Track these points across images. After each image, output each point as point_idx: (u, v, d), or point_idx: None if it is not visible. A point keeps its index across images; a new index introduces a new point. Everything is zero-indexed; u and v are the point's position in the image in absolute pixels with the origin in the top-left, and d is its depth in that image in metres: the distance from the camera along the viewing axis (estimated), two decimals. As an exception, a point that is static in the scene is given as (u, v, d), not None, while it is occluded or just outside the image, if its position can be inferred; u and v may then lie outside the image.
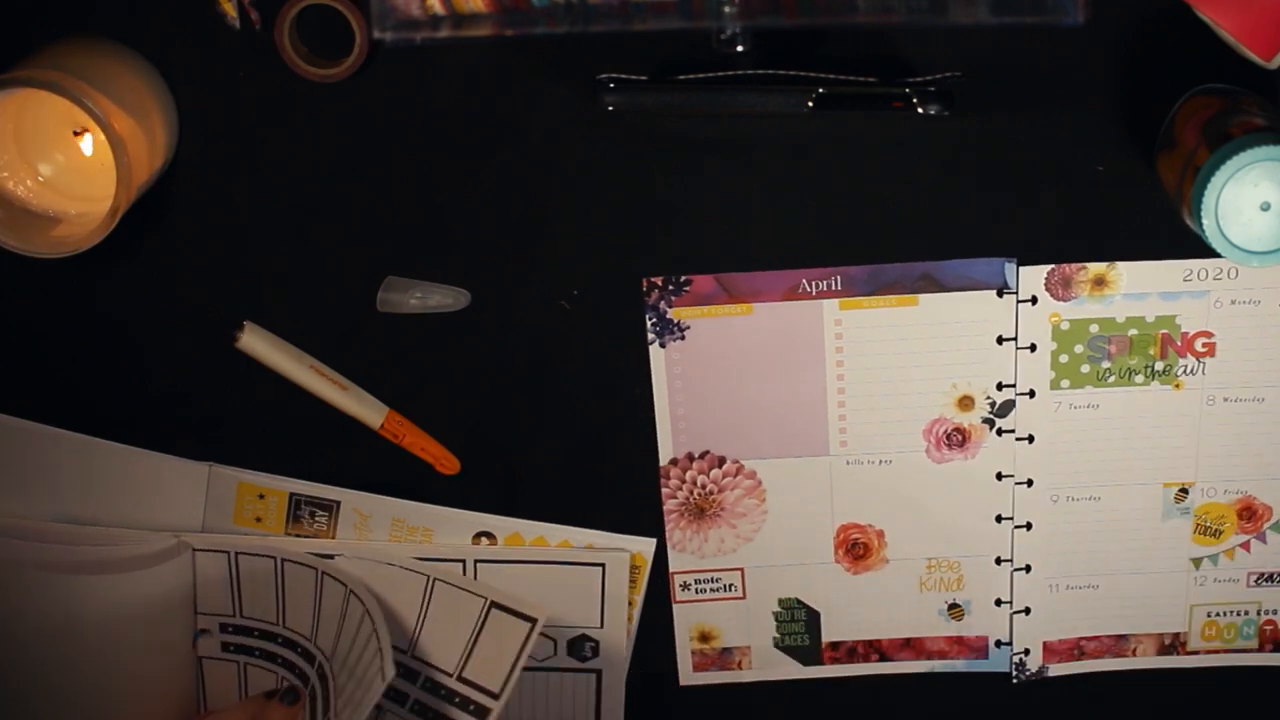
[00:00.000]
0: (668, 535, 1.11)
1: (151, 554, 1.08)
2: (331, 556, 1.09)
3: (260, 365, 1.06)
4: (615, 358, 1.07)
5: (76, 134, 1.00)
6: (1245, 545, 1.11)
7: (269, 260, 1.05)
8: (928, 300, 1.05)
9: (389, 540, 1.10)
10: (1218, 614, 1.12)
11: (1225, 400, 1.07)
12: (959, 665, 1.14)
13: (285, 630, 1.10)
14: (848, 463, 1.09)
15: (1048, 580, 1.12)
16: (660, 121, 1.01)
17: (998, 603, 1.12)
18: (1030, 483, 1.09)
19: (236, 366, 1.06)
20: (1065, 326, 1.05)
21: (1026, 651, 1.13)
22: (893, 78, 0.99)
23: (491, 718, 1.06)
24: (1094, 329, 1.05)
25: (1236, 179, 0.89)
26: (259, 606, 1.10)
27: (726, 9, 0.88)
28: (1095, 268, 1.04)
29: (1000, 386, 1.07)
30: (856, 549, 1.11)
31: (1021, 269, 1.04)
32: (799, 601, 1.13)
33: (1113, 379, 1.07)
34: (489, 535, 1.10)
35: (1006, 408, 1.08)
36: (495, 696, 1.06)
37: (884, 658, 1.14)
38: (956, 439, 1.08)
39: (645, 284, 1.05)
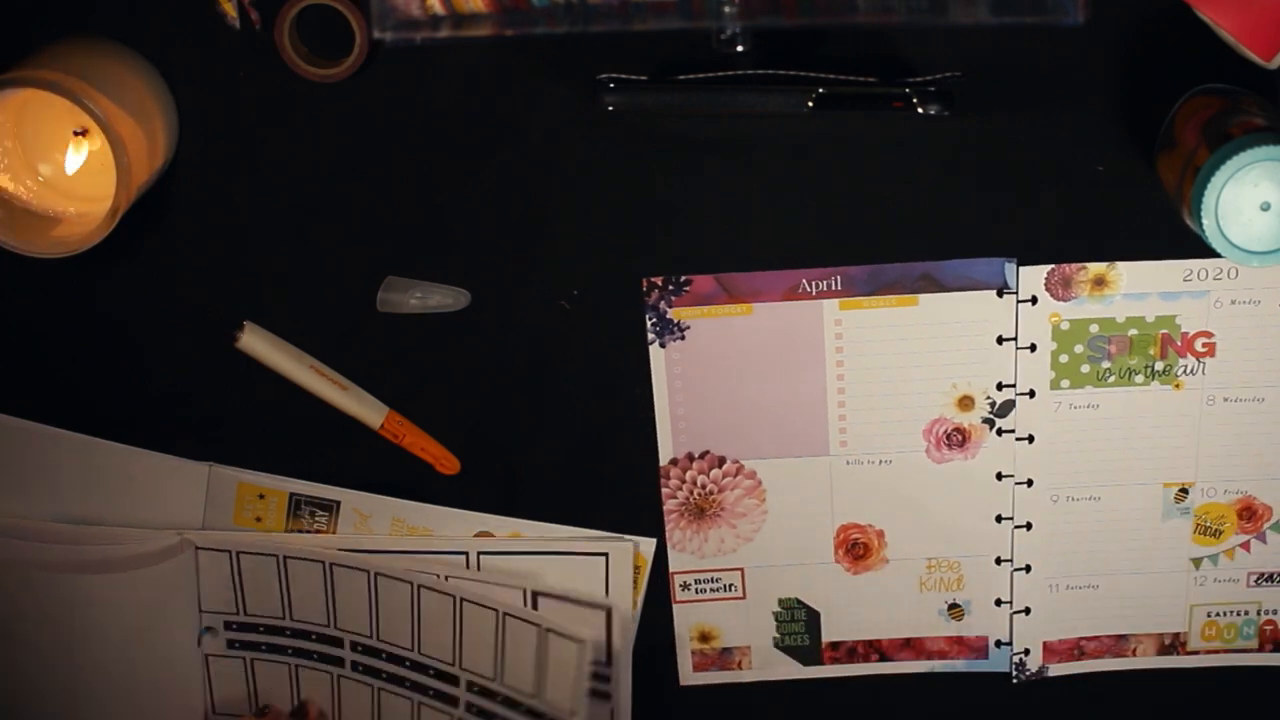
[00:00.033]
0: (668, 535, 1.11)
1: (154, 552, 1.08)
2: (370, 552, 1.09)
3: (260, 365, 1.06)
4: (615, 358, 1.07)
5: (76, 134, 1.00)
6: (1245, 545, 1.11)
7: (269, 260, 1.05)
8: (928, 300, 1.05)
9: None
10: (1218, 614, 1.12)
11: (1225, 400, 1.07)
12: (959, 665, 1.14)
13: (293, 623, 1.10)
14: (848, 463, 1.09)
15: (1048, 580, 1.12)
16: (660, 121, 1.01)
17: (998, 603, 1.12)
18: (1030, 483, 1.09)
19: (236, 366, 1.06)
20: (1065, 326, 1.05)
21: (1026, 651, 1.13)
22: (893, 78, 0.99)
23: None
24: (1094, 329, 1.05)
25: (1236, 179, 0.89)
26: (264, 602, 1.10)
27: (726, 9, 0.88)
28: (1095, 268, 1.04)
29: (1000, 386, 1.07)
30: (856, 549, 1.11)
31: (1021, 269, 1.04)
32: (799, 601, 1.13)
33: (1113, 379, 1.07)
34: (489, 535, 1.10)
35: (1006, 408, 1.08)
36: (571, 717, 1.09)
37: (884, 658, 1.14)
38: (956, 439, 1.08)
39: (645, 284, 1.05)
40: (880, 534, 1.11)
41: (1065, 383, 1.07)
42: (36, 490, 1.09)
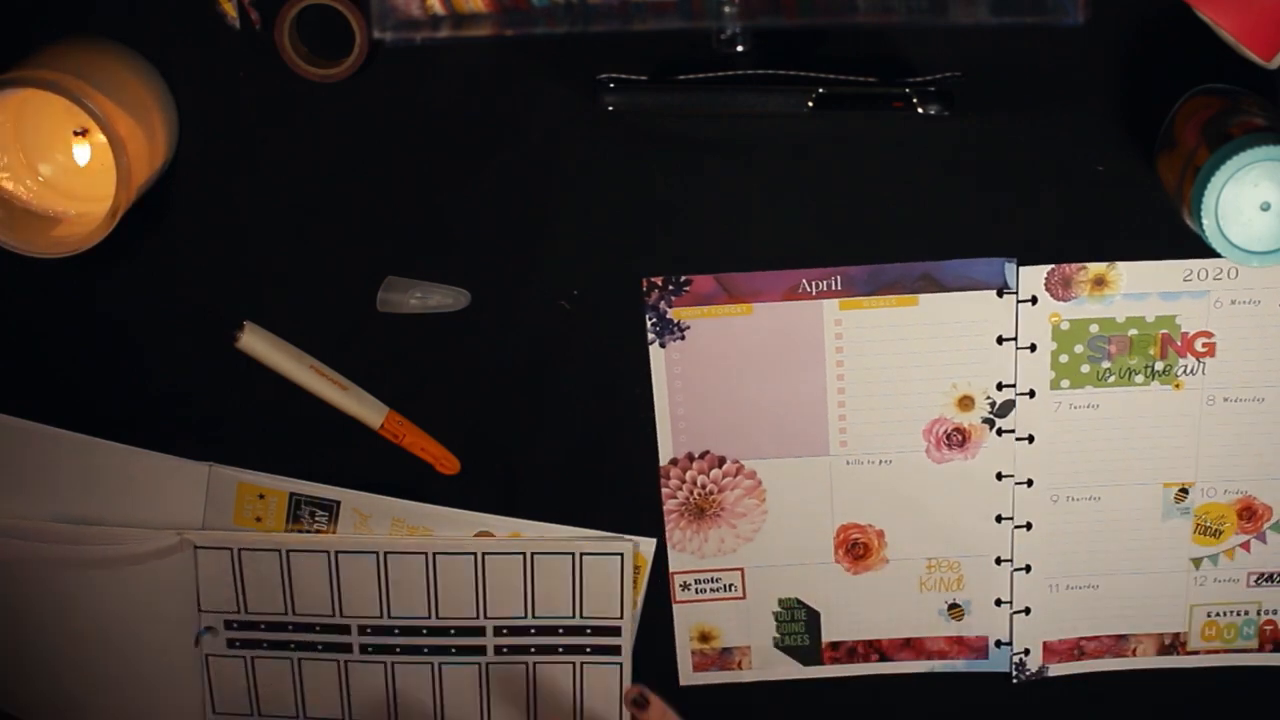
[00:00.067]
0: (668, 535, 1.11)
1: (153, 551, 1.08)
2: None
3: (260, 365, 1.06)
4: (615, 358, 1.07)
5: (76, 134, 1.00)
6: (1245, 545, 1.11)
7: (269, 260, 1.05)
8: (928, 300, 1.05)
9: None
10: (1218, 614, 1.12)
11: (1225, 400, 1.07)
12: (959, 665, 1.14)
13: (295, 617, 1.11)
14: (848, 463, 1.09)
15: (1048, 580, 1.12)
16: (660, 121, 1.01)
17: (998, 603, 1.12)
18: (1030, 483, 1.09)
19: (236, 366, 1.06)
20: (1065, 326, 1.05)
21: (1026, 651, 1.13)
22: (893, 78, 0.99)
23: (624, 640, 1.11)
24: (1094, 329, 1.05)
25: (1236, 179, 0.89)
26: (265, 599, 1.10)
27: (726, 9, 0.88)
28: (1095, 268, 1.04)
29: (1000, 386, 1.07)
30: (856, 549, 1.11)
31: (1021, 269, 1.04)
32: (799, 601, 1.13)
33: (1113, 379, 1.07)
34: (489, 535, 1.10)
35: (1006, 408, 1.08)
36: (618, 622, 1.11)
37: (884, 658, 1.14)
38: (956, 439, 1.08)
39: (645, 284, 1.05)
40: (880, 534, 1.11)
41: (1065, 383, 1.07)
42: (36, 490, 1.09)
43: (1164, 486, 1.09)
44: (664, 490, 1.10)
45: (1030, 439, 1.08)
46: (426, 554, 1.09)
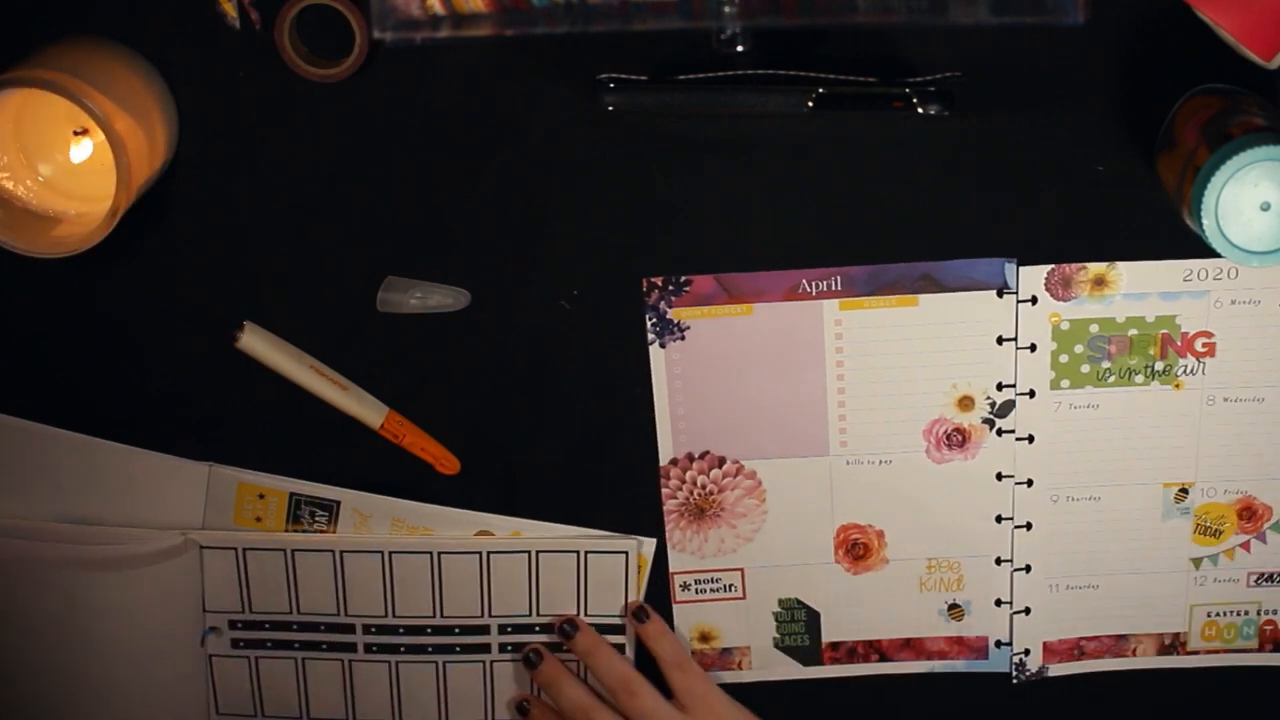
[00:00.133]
0: (668, 535, 1.11)
1: (158, 552, 1.08)
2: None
3: (260, 365, 1.06)
4: (615, 358, 1.07)
5: (76, 134, 1.00)
6: (1245, 545, 1.11)
7: (269, 260, 1.05)
8: (928, 300, 1.05)
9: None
10: (1218, 614, 1.12)
11: (1225, 400, 1.07)
12: (959, 665, 1.14)
13: (300, 616, 1.11)
14: (848, 463, 1.09)
15: (1048, 580, 1.12)
16: (660, 121, 1.01)
17: (998, 603, 1.12)
18: (1030, 483, 1.09)
19: (236, 366, 1.06)
20: (1065, 326, 1.05)
21: (1026, 651, 1.13)
22: (893, 78, 0.99)
23: (628, 638, 1.11)
24: (1094, 329, 1.05)
25: (1236, 179, 0.89)
26: (270, 598, 1.10)
27: (726, 9, 0.88)
28: (1095, 268, 1.04)
29: (1000, 386, 1.07)
30: (856, 549, 1.11)
31: (1021, 269, 1.04)
32: (799, 601, 1.13)
33: (1113, 379, 1.07)
34: (489, 535, 1.10)
35: (1006, 408, 1.08)
36: (622, 621, 1.11)
37: (884, 658, 1.14)
38: (956, 439, 1.08)
39: (645, 284, 1.05)
40: (880, 534, 1.11)
41: (1065, 383, 1.07)
42: (37, 490, 1.09)
43: (1164, 486, 1.09)
44: (664, 490, 1.10)
45: (1030, 439, 1.08)
46: (431, 553, 1.09)
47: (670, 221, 1.03)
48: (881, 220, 1.03)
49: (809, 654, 1.14)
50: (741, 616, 1.13)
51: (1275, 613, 1.12)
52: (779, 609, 1.13)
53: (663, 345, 1.06)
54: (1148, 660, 1.13)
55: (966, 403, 1.08)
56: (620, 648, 1.11)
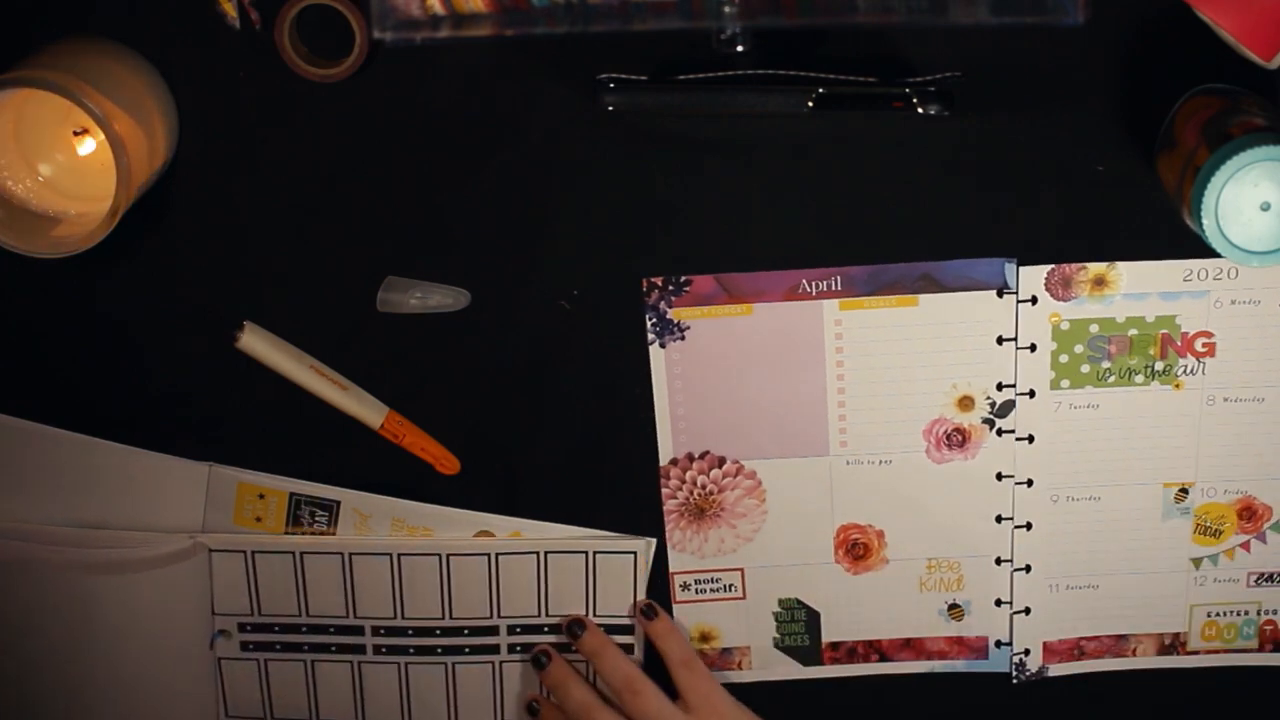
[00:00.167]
0: (668, 535, 1.11)
1: (166, 555, 1.08)
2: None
3: (260, 365, 1.06)
4: (615, 358, 1.07)
5: (76, 134, 1.00)
6: (1245, 545, 1.11)
7: (269, 260, 1.05)
8: (928, 300, 1.05)
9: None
10: (1218, 614, 1.12)
11: (1225, 400, 1.07)
12: (959, 665, 1.14)
13: (309, 619, 1.11)
14: (848, 463, 1.09)
15: (1048, 580, 1.12)
16: (660, 121, 1.01)
17: (998, 603, 1.12)
18: (1030, 483, 1.09)
19: (236, 366, 1.06)
20: (1065, 326, 1.05)
21: (1026, 651, 1.13)
22: (893, 78, 0.99)
23: (637, 638, 1.11)
24: (1094, 329, 1.05)
25: (1236, 179, 0.89)
26: (279, 601, 1.10)
27: (726, 9, 0.88)
28: (1095, 268, 1.04)
29: (1000, 386, 1.07)
30: (856, 549, 1.11)
31: (1021, 269, 1.04)
32: (799, 601, 1.13)
33: (1113, 379, 1.07)
34: (489, 535, 1.10)
35: (1006, 408, 1.08)
36: (631, 620, 1.11)
37: (884, 658, 1.14)
38: (956, 439, 1.08)
39: (645, 284, 1.05)
40: (880, 534, 1.11)
41: (1065, 383, 1.07)
42: (36, 491, 1.09)
43: (1164, 486, 1.09)
44: (664, 490, 1.10)
45: (1030, 439, 1.08)
46: (440, 555, 1.09)
47: (670, 221, 1.03)
48: (881, 220, 1.03)
49: (809, 654, 1.14)
50: (741, 616, 1.13)
51: (1275, 613, 1.12)
52: (779, 609, 1.13)
53: (663, 345, 1.06)
54: (1148, 660, 1.13)
55: (966, 403, 1.08)
56: (629, 648, 1.11)
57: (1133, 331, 1.05)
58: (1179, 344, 1.06)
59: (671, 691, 1.10)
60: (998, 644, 1.13)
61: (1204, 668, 1.13)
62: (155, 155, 0.98)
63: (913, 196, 1.03)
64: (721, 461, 1.09)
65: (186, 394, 1.08)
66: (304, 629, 1.12)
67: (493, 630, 1.11)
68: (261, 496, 1.09)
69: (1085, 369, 1.06)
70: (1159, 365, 1.06)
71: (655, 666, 1.12)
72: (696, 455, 1.09)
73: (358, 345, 1.06)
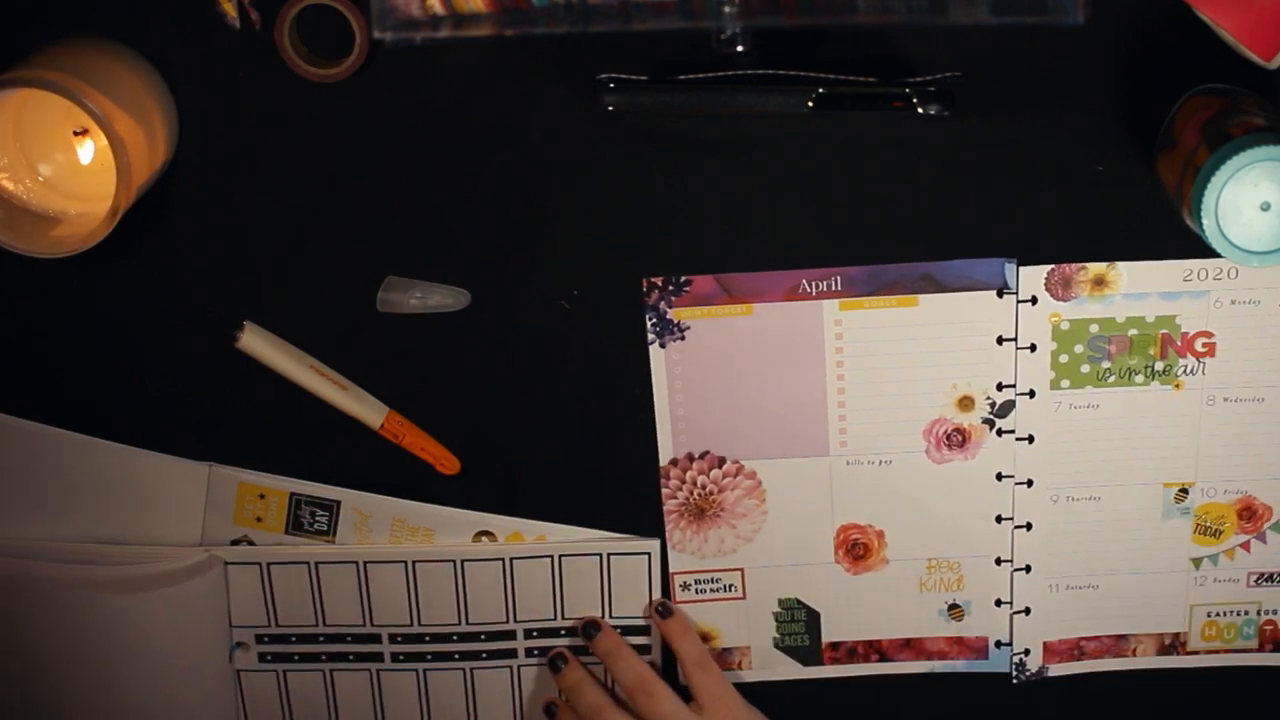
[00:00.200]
0: (668, 535, 1.11)
1: (181, 570, 1.08)
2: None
3: (260, 365, 1.06)
4: (615, 358, 1.07)
5: (76, 134, 1.00)
6: (1245, 545, 1.11)
7: (269, 260, 1.05)
8: (928, 300, 1.05)
9: (389, 541, 1.10)
10: (1218, 614, 1.12)
11: (1225, 400, 1.07)
12: (959, 665, 1.14)
13: (327, 628, 1.11)
14: (848, 463, 1.09)
15: (1048, 580, 1.12)
16: (660, 121, 1.01)
17: (998, 603, 1.12)
18: (1030, 483, 1.09)
19: (236, 366, 1.06)
20: (1065, 326, 1.05)
21: (1026, 652, 1.13)
22: (893, 78, 0.99)
23: (653, 638, 1.12)
24: (1094, 329, 1.05)
25: (1236, 179, 0.89)
26: (296, 611, 1.10)
27: (726, 9, 0.88)
28: (1095, 268, 1.04)
29: (1000, 387, 1.07)
30: (856, 549, 1.11)
31: (1021, 269, 1.04)
32: (799, 602, 1.13)
33: (1113, 379, 1.07)
34: (489, 535, 1.10)
35: (1006, 408, 1.08)
36: (646, 621, 1.11)
37: (884, 658, 1.14)
38: (956, 439, 1.08)
39: (645, 284, 1.05)
40: (880, 534, 1.11)
41: (1065, 383, 1.07)
42: (36, 492, 1.08)
43: (1164, 486, 1.09)
44: (664, 490, 1.10)
45: (1030, 439, 1.08)
46: (455, 561, 1.09)
47: (670, 221, 1.04)
48: (881, 220, 1.03)
49: (809, 654, 1.14)
50: (741, 616, 1.13)
51: (1275, 613, 1.12)
52: (779, 609, 1.13)
53: (663, 345, 1.06)
54: (1148, 660, 1.13)
55: (966, 403, 1.08)
56: (643, 649, 1.11)
57: (1133, 331, 1.05)
58: (1179, 344, 1.06)
59: (684, 693, 1.10)
60: (998, 644, 1.13)
61: (1204, 668, 1.14)
62: (155, 155, 0.98)
63: (913, 196, 1.03)
64: (721, 461, 1.09)
65: (186, 394, 1.08)
66: (321, 639, 1.12)
67: (509, 635, 1.11)
68: (262, 496, 1.09)
69: (1085, 369, 1.06)
70: (1159, 365, 1.06)
71: (666, 668, 1.12)
72: (696, 455, 1.09)
73: (358, 345, 1.06)
